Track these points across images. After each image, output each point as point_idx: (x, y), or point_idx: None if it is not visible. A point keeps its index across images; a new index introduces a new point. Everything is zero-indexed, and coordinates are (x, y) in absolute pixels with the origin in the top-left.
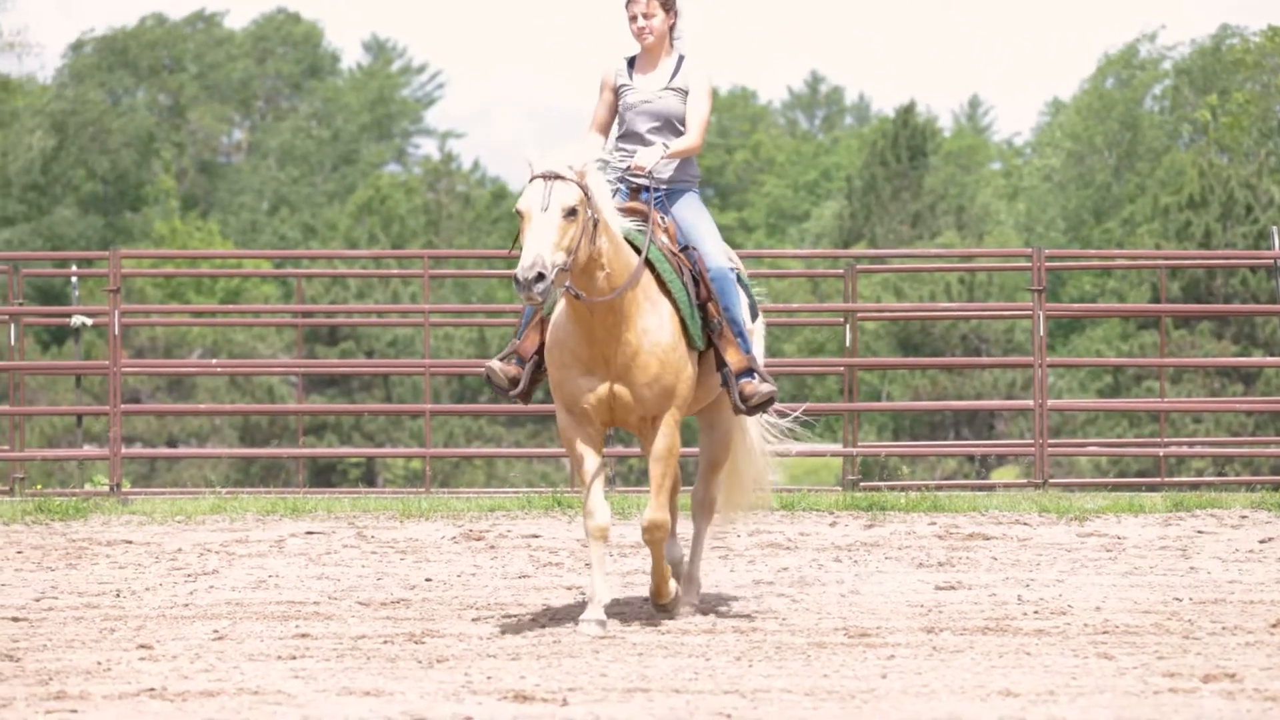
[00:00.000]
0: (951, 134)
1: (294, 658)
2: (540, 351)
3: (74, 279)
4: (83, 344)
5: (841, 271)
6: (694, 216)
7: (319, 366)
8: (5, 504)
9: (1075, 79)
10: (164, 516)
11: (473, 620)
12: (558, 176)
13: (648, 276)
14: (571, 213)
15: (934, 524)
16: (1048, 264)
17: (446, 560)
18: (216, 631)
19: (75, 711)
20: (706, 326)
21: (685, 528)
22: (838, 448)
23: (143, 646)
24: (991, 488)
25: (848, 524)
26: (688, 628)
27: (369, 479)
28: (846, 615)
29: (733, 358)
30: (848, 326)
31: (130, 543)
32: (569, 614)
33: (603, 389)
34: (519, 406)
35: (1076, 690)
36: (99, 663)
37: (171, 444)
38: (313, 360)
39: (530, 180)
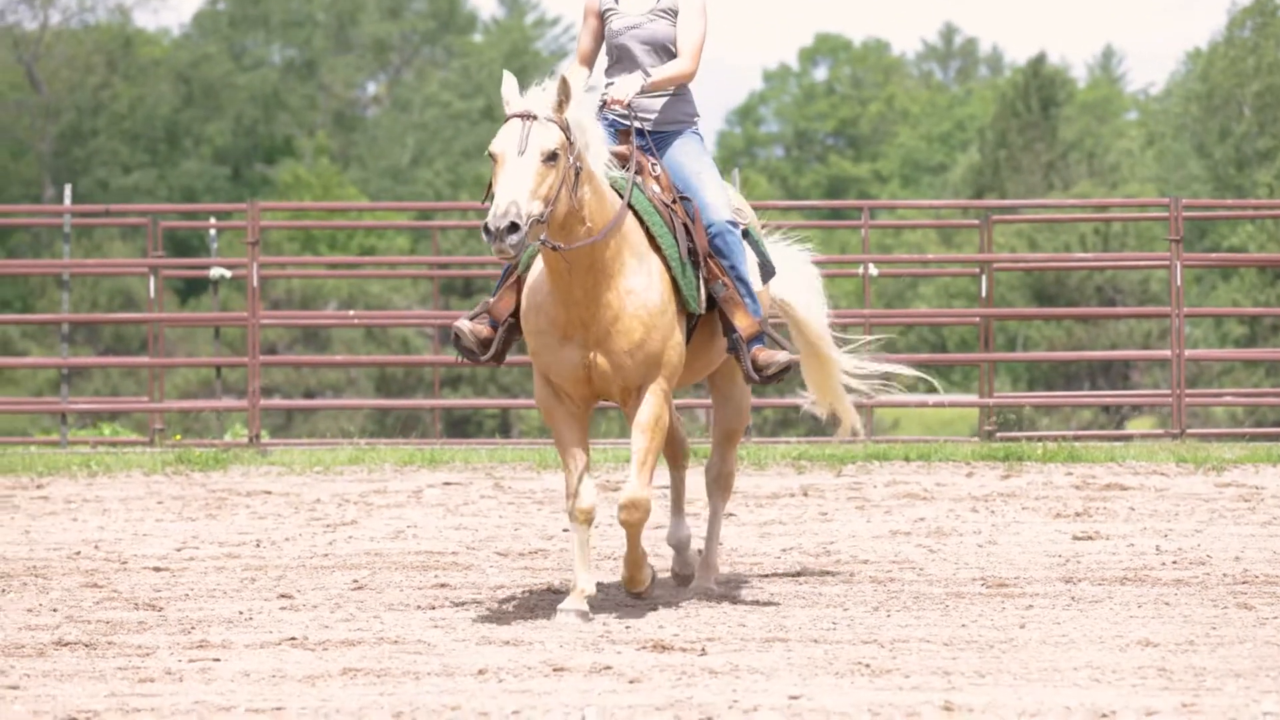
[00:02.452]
0: (1086, 85)
1: (433, 607)
2: (516, 314)
3: (212, 232)
4: (221, 296)
5: (977, 222)
6: (690, 162)
7: (455, 318)
8: (145, 455)
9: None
10: (302, 467)
11: (610, 571)
12: (536, 117)
13: (635, 230)
14: (551, 157)
15: (1070, 474)
16: (1185, 214)
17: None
18: (356, 581)
19: (218, 660)
20: (707, 287)
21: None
22: (974, 398)
23: (283, 596)
24: (1127, 438)
25: (984, 474)
26: (825, 578)
27: (504, 430)
28: (984, 565)
29: (741, 322)
30: (984, 277)
31: (269, 493)
32: None
33: (580, 358)
34: None
35: (1216, 640)
36: (240, 612)
37: (308, 395)
38: (448, 312)
39: (507, 120)
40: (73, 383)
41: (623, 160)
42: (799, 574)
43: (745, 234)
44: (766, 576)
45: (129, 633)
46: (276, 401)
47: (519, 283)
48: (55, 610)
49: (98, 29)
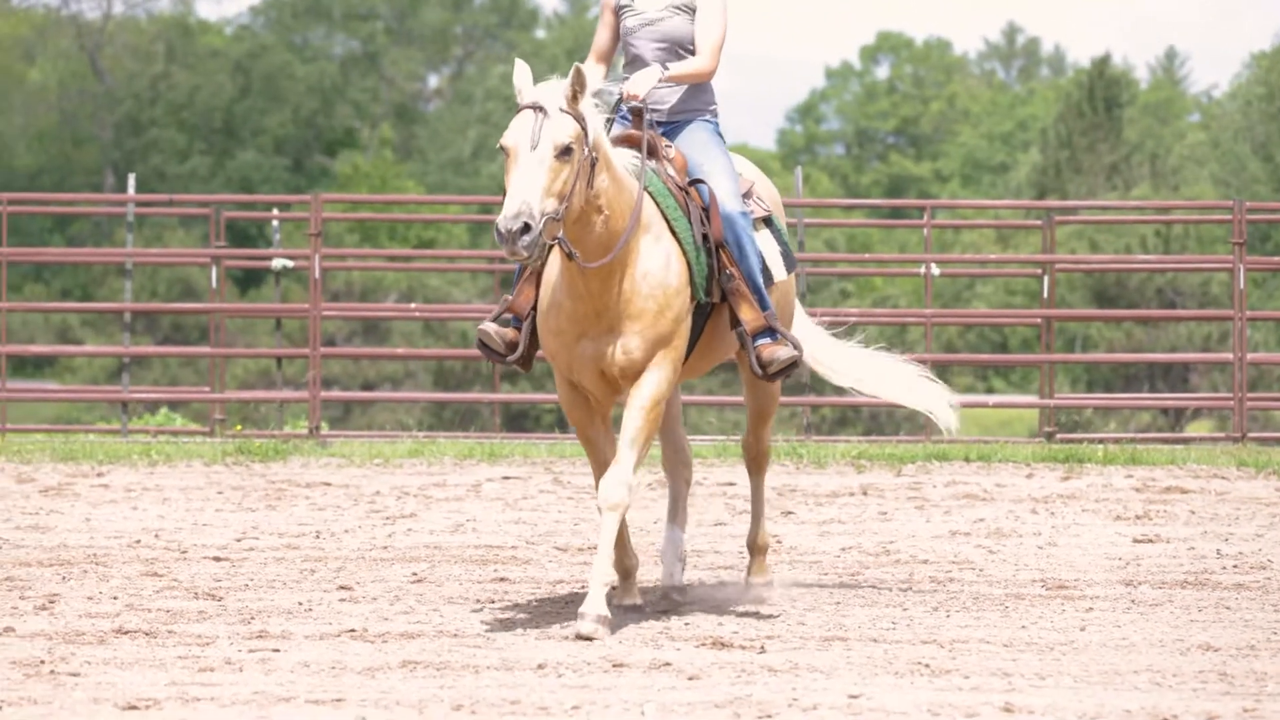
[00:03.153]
0: (1148, 86)
1: (492, 601)
2: (537, 306)
3: (275, 223)
4: (282, 287)
5: (1039, 223)
6: (701, 150)
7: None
8: (206, 445)
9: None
10: (362, 459)
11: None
12: (547, 110)
13: (651, 213)
14: (565, 151)
15: (1131, 477)
16: (1248, 217)
17: (642, 506)
18: (415, 574)
19: (278, 651)
20: (717, 277)
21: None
22: (1034, 399)
23: (343, 588)
24: (1187, 441)
25: (1044, 476)
26: (884, 577)
27: (563, 424)
28: (1044, 567)
29: (747, 315)
30: (1045, 278)
31: (329, 485)
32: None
33: (595, 351)
34: None
35: (1278, 645)
36: (300, 603)
37: (366, 388)
38: None
39: (518, 111)
40: (132, 372)
41: (635, 144)
42: (858, 573)
43: (768, 222)
44: (826, 575)
45: (189, 622)
46: (336, 393)
47: (536, 275)
48: (115, 598)
49: (159, 19)
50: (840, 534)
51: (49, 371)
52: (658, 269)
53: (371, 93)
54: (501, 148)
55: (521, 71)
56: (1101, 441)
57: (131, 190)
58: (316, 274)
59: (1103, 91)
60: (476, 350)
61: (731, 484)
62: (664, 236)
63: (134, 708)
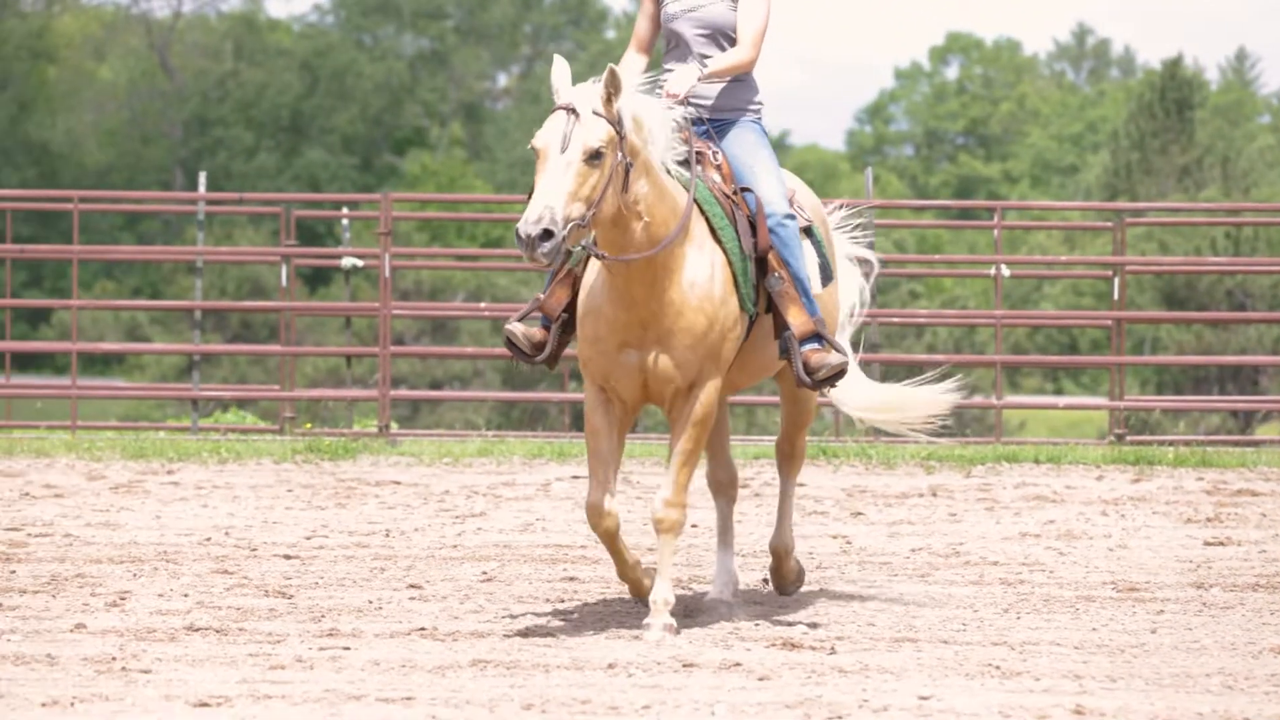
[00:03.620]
0: (1218, 88)
1: (562, 600)
2: (569, 308)
3: (345, 222)
4: (351, 286)
5: (1110, 224)
6: (749, 152)
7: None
8: (275, 443)
9: None
10: (431, 458)
11: (739, 568)
12: (580, 112)
13: (697, 222)
14: (595, 156)
15: (1201, 479)
16: None
17: (711, 506)
18: (485, 573)
19: (348, 649)
20: (763, 283)
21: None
22: (1103, 401)
23: (413, 586)
24: (1258, 444)
25: (1114, 478)
26: (954, 579)
27: (634, 425)
28: (1114, 569)
29: (796, 319)
30: (1116, 280)
31: (398, 483)
32: (835, 562)
33: (638, 361)
34: None
35: None
36: (370, 601)
37: (434, 386)
38: None
39: (553, 111)
40: (201, 369)
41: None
42: (928, 574)
43: (808, 233)
44: (896, 576)
45: (259, 619)
46: (405, 392)
47: (570, 276)
48: (186, 595)
49: (228, 16)
50: (910, 535)
51: (119, 369)
52: (704, 279)
53: (440, 91)
54: (532, 148)
55: (560, 70)
56: (1172, 444)
57: (202, 188)
58: (386, 273)
59: (1174, 93)
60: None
61: (800, 484)
62: (708, 246)
63: (205, 705)
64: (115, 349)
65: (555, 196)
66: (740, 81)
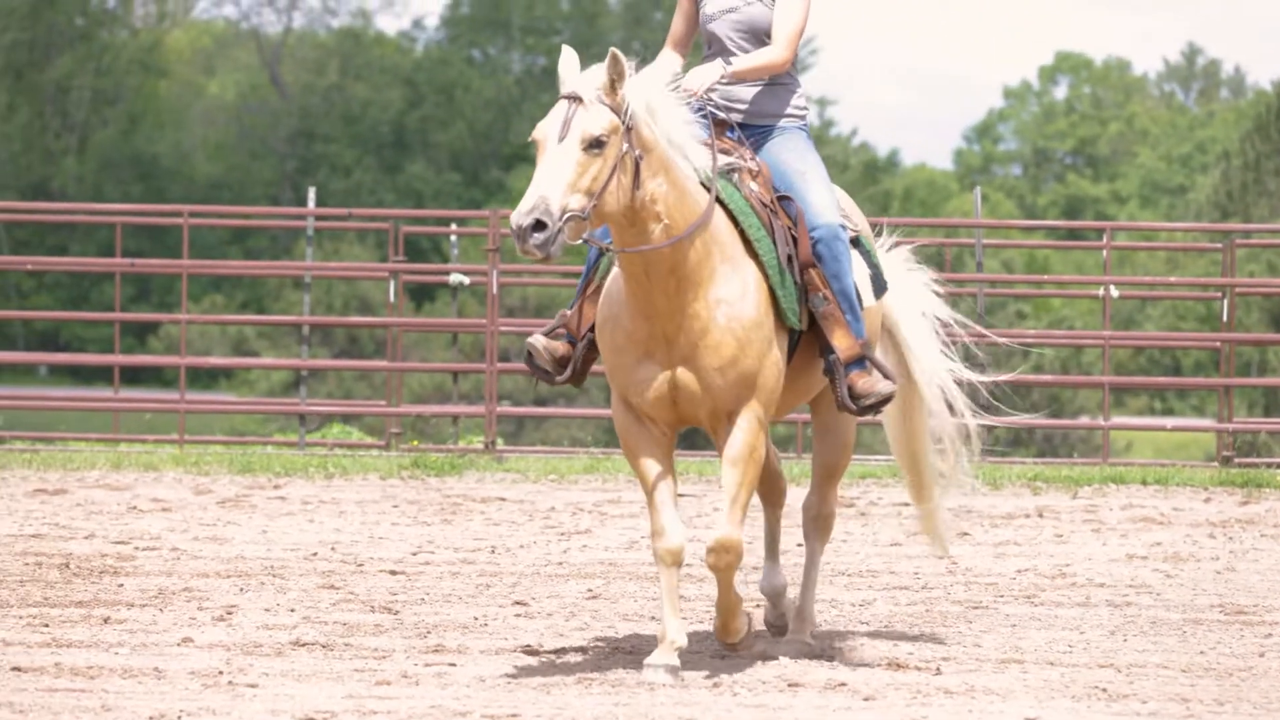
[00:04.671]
0: None
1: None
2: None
3: (453, 238)
4: (458, 302)
5: (1219, 245)
6: (793, 160)
7: None
8: (381, 458)
9: None
10: (537, 475)
11: (844, 587)
12: (583, 99)
13: (728, 232)
14: (595, 145)
15: None
16: None
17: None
18: (590, 590)
19: (454, 665)
20: (806, 300)
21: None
22: (1211, 423)
23: (518, 603)
24: None
25: (1222, 500)
26: (1061, 600)
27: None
28: (1222, 592)
29: (841, 342)
30: (1225, 301)
31: (504, 500)
32: (940, 583)
33: (662, 378)
34: None
35: None
36: (475, 618)
37: (540, 403)
38: None
39: (558, 100)
40: (308, 384)
41: (724, 151)
42: (1034, 596)
43: (855, 243)
44: (1002, 597)
45: (365, 635)
46: (511, 408)
47: (600, 292)
48: (293, 610)
49: (336, 32)
50: (1016, 556)
51: (226, 383)
52: (733, 297)
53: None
54: (532, 140)
55: (567, 59)
56: None
57: (311, 204)
58: (493, 289)
59: None
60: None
61: (906, 504)
62: (742, 260)
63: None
64: (223, 364)
65: (550, 186)
66: (781, 84)
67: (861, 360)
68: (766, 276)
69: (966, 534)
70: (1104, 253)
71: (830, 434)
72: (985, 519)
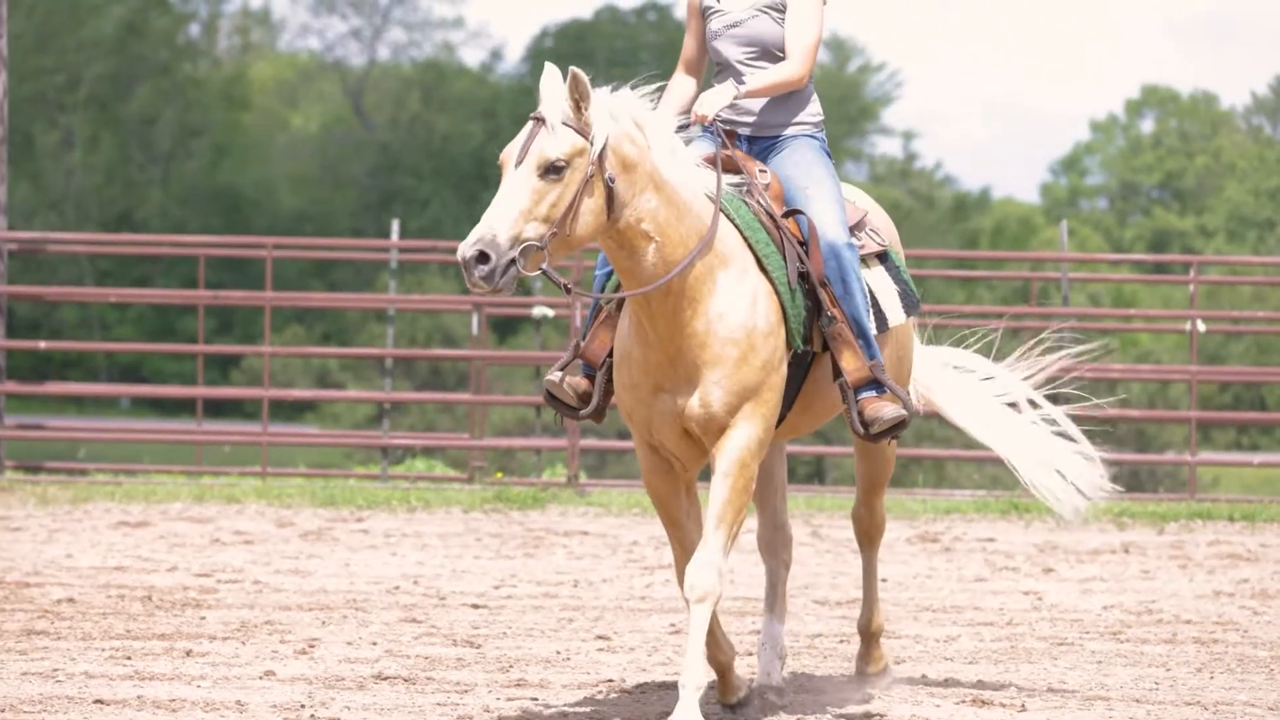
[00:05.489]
0: None
1: (750, 654)
2: (614, 353)
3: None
4: (542, 335)
5: None
6: (804, 171)
7: None
8: (464, 492)
9: None
10: (620, 508)
11: (929, 623)
12: (546, 120)
13: (735, 247)
14: (553, 170)
15: None
16: None
17: (901, 561)
18: (673, 625)
19: (535, 700)
20: (818, 321)
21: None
22: None
23: (600, 637)
24: None
25: None
26: (1147, 637)
27: (820, 477)
28: None
29: (850, 364)
30: None
31: (587, 534)
32: (1025, 619)
33: (674, 406)
34: None
35: None
36: (558, 652)
37: (621, 436)
38: None
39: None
40: (391, 417)
41: (726, 167)
42: (1120, 632)
43: (883, 258)
44: (1087, 634)
45: (448, 669)
46: (594, 442)
47: (613, 319)
48: (375, 644)
49: (419, 64)
50: (1102, 592)
51: (309, 415)
52: (738, 310)
53: None
54: (500, 164)
55: (549, 77)
56: None
57: (395, 236)
58: (577, 322)
59: None
60: (543, 401)
61: (991, 539)
62: (749, 273)
63: None
64: (306, 396)
65: (501, 216)
66: (792, 95)
67: (873, 383)
68: (777, 293)
69: (1051, 570)
70: (1190, 287)
71: (869, 454)
72: (1071, 554)
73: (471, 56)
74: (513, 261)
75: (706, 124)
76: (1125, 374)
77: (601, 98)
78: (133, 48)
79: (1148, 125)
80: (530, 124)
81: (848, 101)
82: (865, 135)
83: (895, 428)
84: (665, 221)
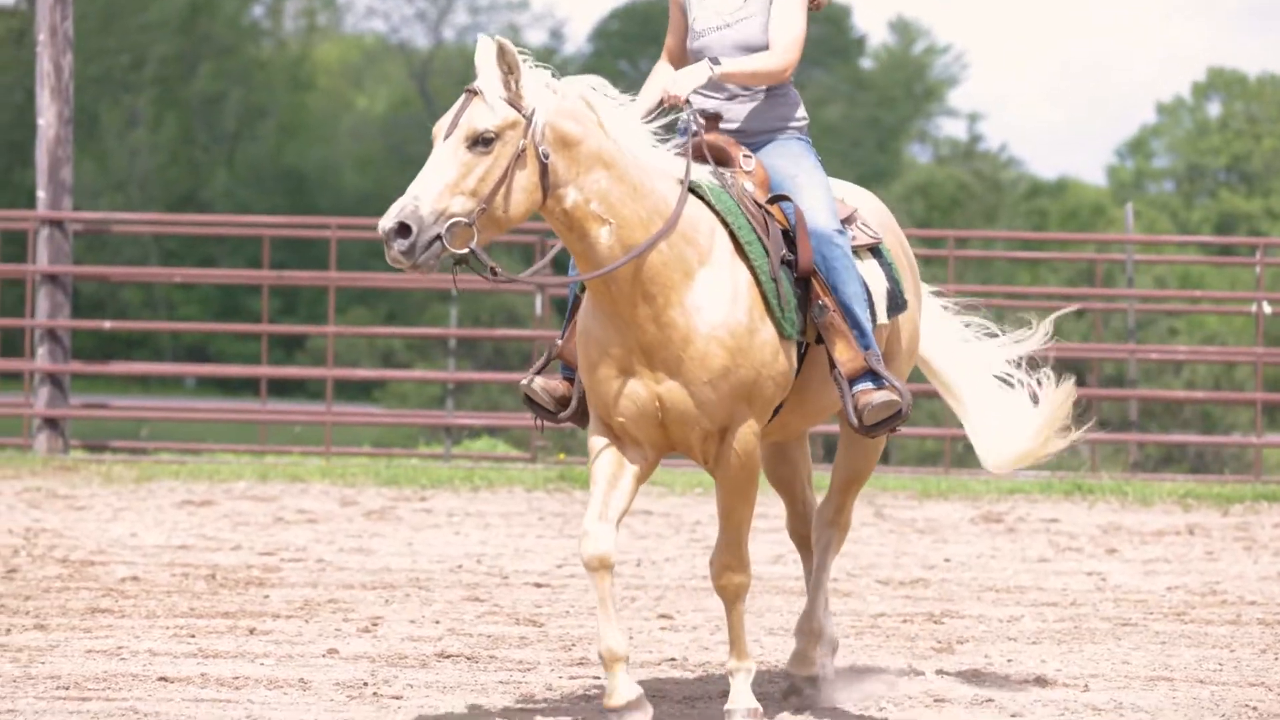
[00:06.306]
0: None
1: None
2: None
3: None
4: None
5: None
6: (786, 165)
7: None
8: (527, 471)
9: None
10: (683, 488)
11: (992, 603)
12: (479, 92)
13: (710, 233)
14: (481, 141)
15: None
16: None
17: (965, 541)
18: None
19: (598, 679)
20: (810, 310)
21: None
22: None
23: (663, 616)
24: None
25: None
26: (1211, 618)
27: (884, 458)
28: None
29: (843, 354)
30: None
31: (650, 513)
32: (1089, 599)
33: (647, 396)
34: None
35: None
36: None
37: None
38: None
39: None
40: (454, 396)
41: (709, 155)
42: (1184, 613)
43: (875, 252)
44: (1151, 615)
45: (510, 647)
46: None
47: None
48: (438, 622)
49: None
50: (1166, 573)
51: (373, 395)
52: (717, 303)
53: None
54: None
55: (483, 49)
56: None
57: None
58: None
59: None
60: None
61: (1054, 520)
62: (727, 263)
63: None
64: (370, 376)
65: (425, 187)
66: (778, 95)
67: (870, 374)
68: (759, 282)
69: (1115, 551)
70: (1257, 269)
71: (856, 444)
72: (1135, 535)
73: (535, 38)
74: (437, 238)
75: (680, 104)
76: (1191, 356)
77: (539, 72)
78: (198, 28)
79: (1214, 108)
80: (463, 96)
81: (913, 83)
82: (931, 117)
83: (890, 419)
84: (618, 201)
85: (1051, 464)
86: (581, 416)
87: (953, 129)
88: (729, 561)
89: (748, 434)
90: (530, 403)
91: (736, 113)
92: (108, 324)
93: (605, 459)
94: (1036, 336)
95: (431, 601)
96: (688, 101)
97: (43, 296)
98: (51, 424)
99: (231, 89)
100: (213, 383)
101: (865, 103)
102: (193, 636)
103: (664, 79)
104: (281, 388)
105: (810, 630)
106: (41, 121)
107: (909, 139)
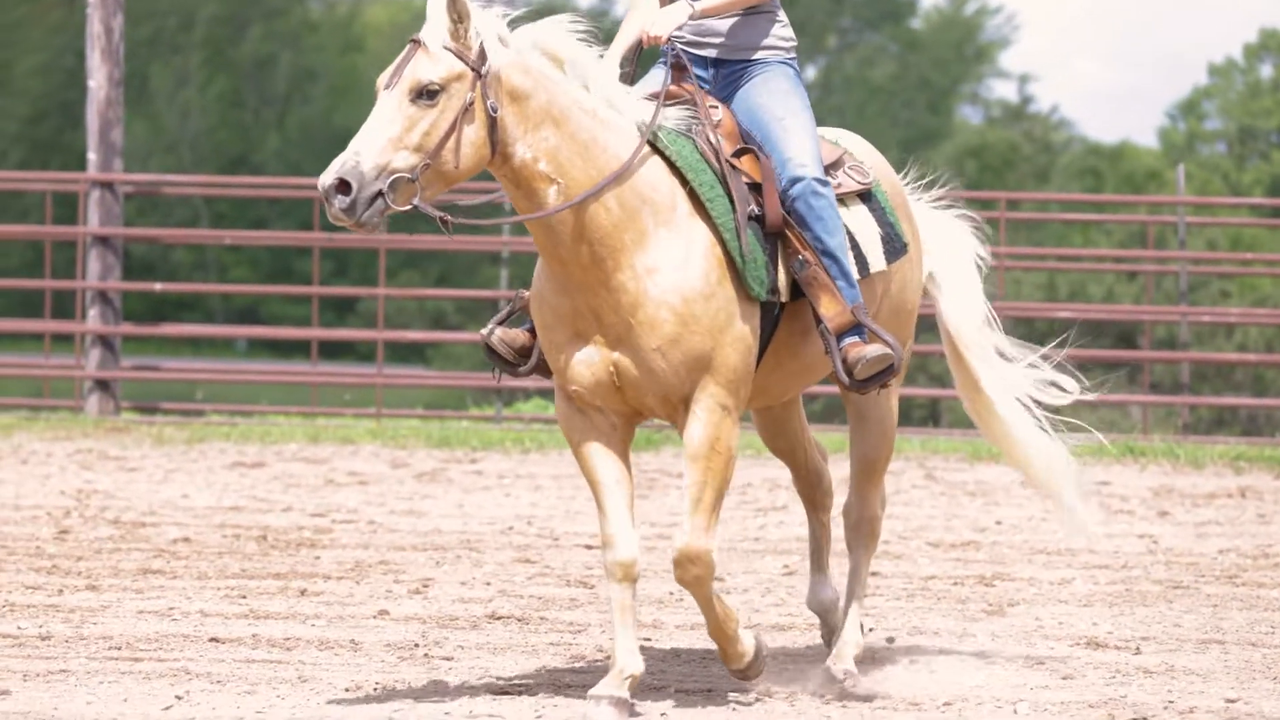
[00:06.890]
0: None
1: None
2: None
3: None
4: None
5: None
6: (773, 104)
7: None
8: None
9: None
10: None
11: (1043, 565)
12: (423, 43)
13: (667, 189)
14: (426, 94)
15: None
16: None
17: (1016, 504)
18: (786, 566)
19: (649, 640)
20: (789, 266)
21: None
22: None
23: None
24: None
25: None
26: (1263, 581)
27: (935, 419)
28: None
29: (828, 309)
30: None
31: None
32: (1140, 562)
33: (600, 361)
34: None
35: None
36: (671, 592)
37: None
38: None
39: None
40: None
41: (678, 100)
42: (1236, 576)
43: (865, 197)
44: (1203, 577)
45: (561, 609)
46: None
47: None
48: (488, 584)
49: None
50: (1218, 536)
51: (424, 357)
52: (670, 265)
53: None
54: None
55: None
56: None
57: None
58: None
59: None
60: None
61: (1106, 483)
62: (686, 222)
63: (506, 693)
64: (421, 338)
65: (366, 142)
66: (762, 12)
67: (857, 328)
68: (723, 242)
69: (1167, 513)
70: None
71: (865, 421)
72: (1187, 498)
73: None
74: (379, 194)
75: (660, 45)
76: (1243, 318)
77: (491, 21)
78: None
79: (1267, 70)
80: (408, 46)
81: (964, 44)
82: (982, 79)
83: (882, 374)
84: (567, 161)
85: (1103, 426)
86: (544, 370)
87: (1004, 91)
88: (691, 548)
89: (714, 408)
90: (491, 353)
91: (720, 28)
92: (158, 286)
93: (594, 457)
94: (1072, 391)
95: (482, 563)
96: (669, 42)
97: (93, 258)
98: (103, 386)
99: (281, 51)
100: (264, 345)
101: (916, 64)
102: (244, 598)
103: (642, 18)
104: (333, 350)
105: (844, 641)
106: (92, 83)
107: (960, 100)
